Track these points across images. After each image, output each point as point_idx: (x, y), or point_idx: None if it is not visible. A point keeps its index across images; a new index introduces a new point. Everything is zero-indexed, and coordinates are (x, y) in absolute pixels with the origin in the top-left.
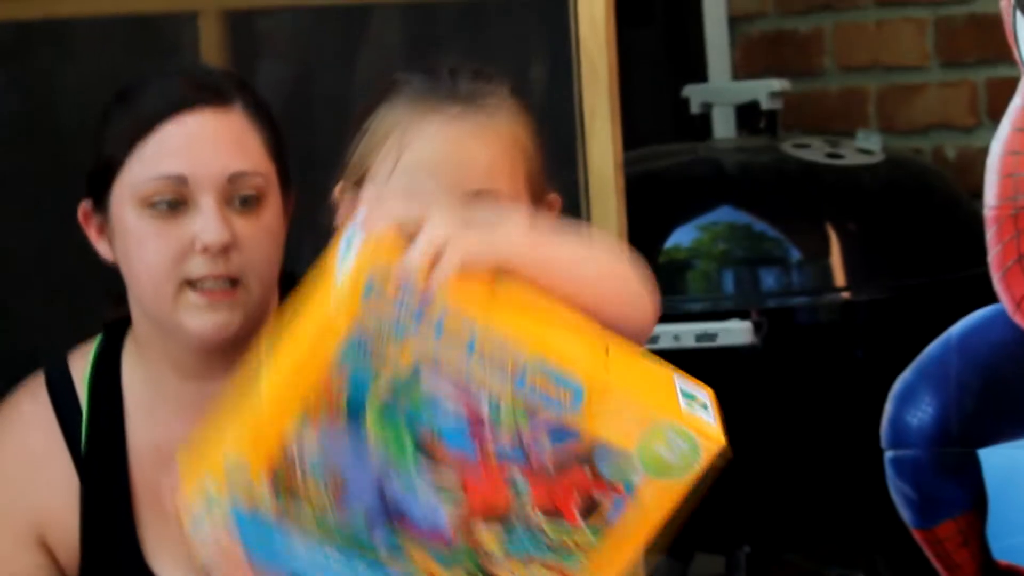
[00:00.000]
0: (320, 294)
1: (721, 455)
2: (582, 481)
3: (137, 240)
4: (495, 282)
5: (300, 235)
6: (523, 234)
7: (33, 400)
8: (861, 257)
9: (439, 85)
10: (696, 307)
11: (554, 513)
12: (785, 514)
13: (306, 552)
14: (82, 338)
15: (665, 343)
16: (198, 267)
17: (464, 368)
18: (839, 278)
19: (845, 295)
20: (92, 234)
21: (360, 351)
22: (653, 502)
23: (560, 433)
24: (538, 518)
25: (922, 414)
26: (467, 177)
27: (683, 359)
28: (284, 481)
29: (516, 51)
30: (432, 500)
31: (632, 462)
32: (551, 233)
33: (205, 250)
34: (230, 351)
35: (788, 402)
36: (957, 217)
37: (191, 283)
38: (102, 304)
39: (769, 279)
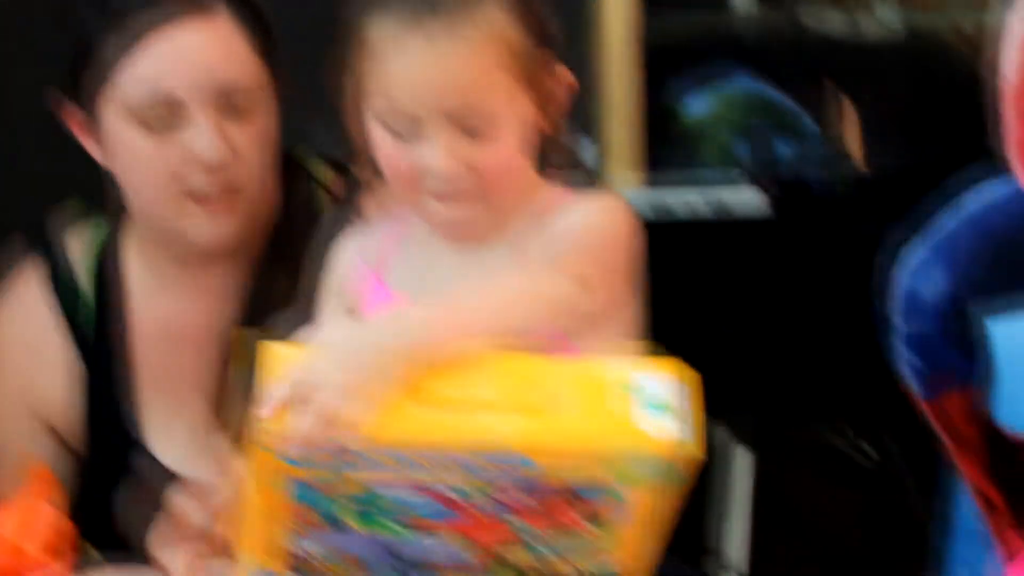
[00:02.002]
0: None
1: (695, 457)
2: (574, 507)
3: (132, 155)
4: (416, 382)
5: (312, 104)
6: (427, 320)
7: (27, 284)
8: (877, 129)
9: None
10: (711, 177)
11: (563, 529)
12: (792, 384)
13: None
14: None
15: (680, 214)
16: (197, 181)
17: (411, 478)
18: (853, 150)
19: (860, 167)
20: (74, 128)
21: (311, 492)
22: (648, 502)
23: (531, 487)
24: (550, 535)
25: (933, 286)
26: (452, 98)
27: (698, 230)
28: (308, 570)
29: None
30: (447, 549)
31: (612, 486)
32: (464, 294)
33: (203, 166)
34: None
35: (800, 273)
36: (973, 91)
37: (190, 196)
38: (103, 179)
39: (785, 150)
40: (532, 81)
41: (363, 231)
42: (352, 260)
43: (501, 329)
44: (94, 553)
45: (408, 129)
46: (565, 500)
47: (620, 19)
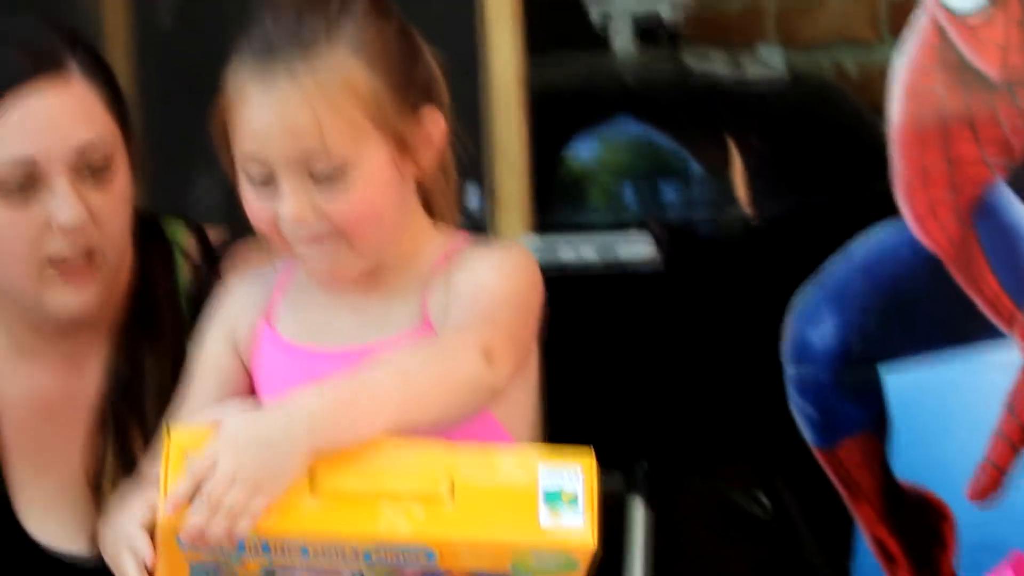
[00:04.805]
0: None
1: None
2: None
3: None
4: (317, 471)
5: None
6: (329, 406)
7: None
8: (763, 173)
9: (265, 41)
10: (596, 220)
11: None
12: (687, 434)
13: None
14: None
15: (569, 261)
16: (57, 247)
17: (310, 566)
18: (741, 194)
19: (747, 211)
20: None
21: (207, 571)
22: None
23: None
24: None
25: (824, 332)
26: (296, 144)
27: (587, 277)
28: None
29: None
30: None
31: None
32: (369, 375)
33: (63, 231)
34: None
35: (689, 319)
36: (858, 133)
37: (51, 263)
38: None
39: (670, 194)
40: (389, 126)
41: (252, 280)
42: (241, 310)
43: (406, 413)
44: None
45: (263, 176)
46: None
47: (506, 65)
